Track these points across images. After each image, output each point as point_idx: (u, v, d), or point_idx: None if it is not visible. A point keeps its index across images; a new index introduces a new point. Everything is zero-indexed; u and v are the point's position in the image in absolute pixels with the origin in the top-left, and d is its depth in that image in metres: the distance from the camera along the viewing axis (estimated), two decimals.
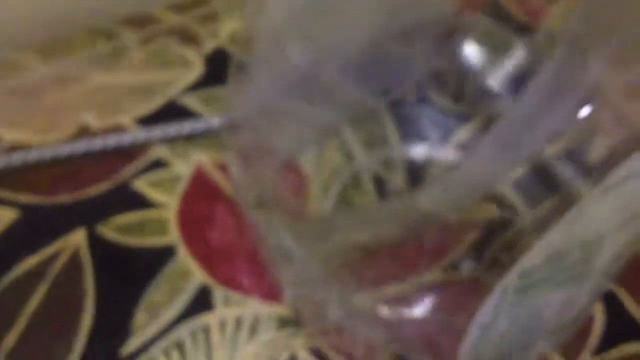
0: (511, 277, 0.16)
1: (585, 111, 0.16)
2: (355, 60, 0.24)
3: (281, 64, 0.22)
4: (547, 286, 0.17)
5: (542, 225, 0.15)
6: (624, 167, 0.14)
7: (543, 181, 0.22)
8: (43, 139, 0.31)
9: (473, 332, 0.17)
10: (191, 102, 0.33)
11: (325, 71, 0.23)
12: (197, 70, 0.34)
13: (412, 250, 0.22)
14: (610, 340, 0.25)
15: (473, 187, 0.18)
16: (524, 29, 0.25)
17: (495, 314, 0.17)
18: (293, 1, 0.22)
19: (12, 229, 0.27)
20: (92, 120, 0.32)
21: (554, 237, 0.15)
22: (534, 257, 0.15)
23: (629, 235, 0.17)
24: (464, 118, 0.25)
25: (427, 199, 0.17)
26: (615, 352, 0.24)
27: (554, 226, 0.15)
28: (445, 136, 0.25)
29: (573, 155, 0.19)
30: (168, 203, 0.28)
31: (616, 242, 0.17)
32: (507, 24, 0.25)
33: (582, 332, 0.25)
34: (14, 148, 0.30)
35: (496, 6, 0.24)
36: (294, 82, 0.23)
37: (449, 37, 0.24)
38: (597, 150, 0.17)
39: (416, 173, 0.25)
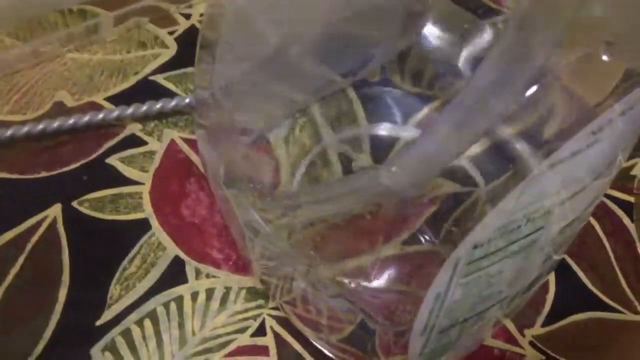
0: (463, 249, 0.16)
1: (534, 90, 0.16)
2: (322, 41, 0.24)
3: (249, 44, 0.22)
4: (499, 257, 0.17)
5: (494, 200, 0.15)
6: (570, 144, 0.15)
7: (501, 159, 0.23)
8: (18, 117, 0.31)
9: (428, 301, 0.18)
10: (164, 81, 0.33)
11: (293, 51, 0.23)
12: (170, 49, 0.35)
13: (372, 225, 0.23)
14: (563, 308, 0.26)
15: (430, 163, 0.18)
16: (487, 11, 0.25)
17: (448, 284, 0.17)
18: None
19: None
20: (66, 98, 0.32)
21: (503, 211, 0.16)
22: (484, 230, 0.16)
23: (576, 209, 0.18)
24: (426, 98, 0.26)
25: (387, 175, 0.18)
26: (567, 320, 0.25)
27: (504, 200, 0.15)
28: (408, 115, 0.26)
29: (529, 134, 0.19)
30: (141, 179, 0.29)
31: (564, 216, 0.18)
32: (470, 5, 0.25)
33: (537, 300, 0.25)
34: None
35: None
36: (262, 62, 0.23)
37: (413, 19, 0.24)
38: (550, 129, 0.17)
39: (381, 151, 0.26)
